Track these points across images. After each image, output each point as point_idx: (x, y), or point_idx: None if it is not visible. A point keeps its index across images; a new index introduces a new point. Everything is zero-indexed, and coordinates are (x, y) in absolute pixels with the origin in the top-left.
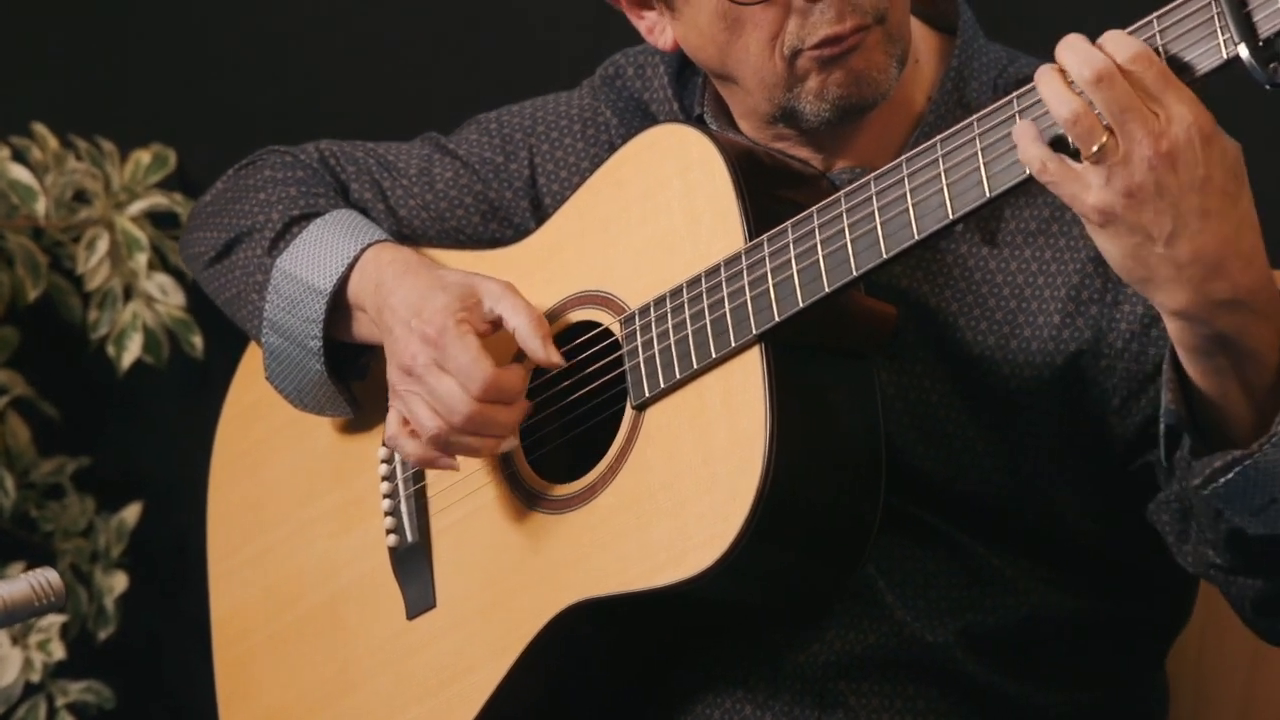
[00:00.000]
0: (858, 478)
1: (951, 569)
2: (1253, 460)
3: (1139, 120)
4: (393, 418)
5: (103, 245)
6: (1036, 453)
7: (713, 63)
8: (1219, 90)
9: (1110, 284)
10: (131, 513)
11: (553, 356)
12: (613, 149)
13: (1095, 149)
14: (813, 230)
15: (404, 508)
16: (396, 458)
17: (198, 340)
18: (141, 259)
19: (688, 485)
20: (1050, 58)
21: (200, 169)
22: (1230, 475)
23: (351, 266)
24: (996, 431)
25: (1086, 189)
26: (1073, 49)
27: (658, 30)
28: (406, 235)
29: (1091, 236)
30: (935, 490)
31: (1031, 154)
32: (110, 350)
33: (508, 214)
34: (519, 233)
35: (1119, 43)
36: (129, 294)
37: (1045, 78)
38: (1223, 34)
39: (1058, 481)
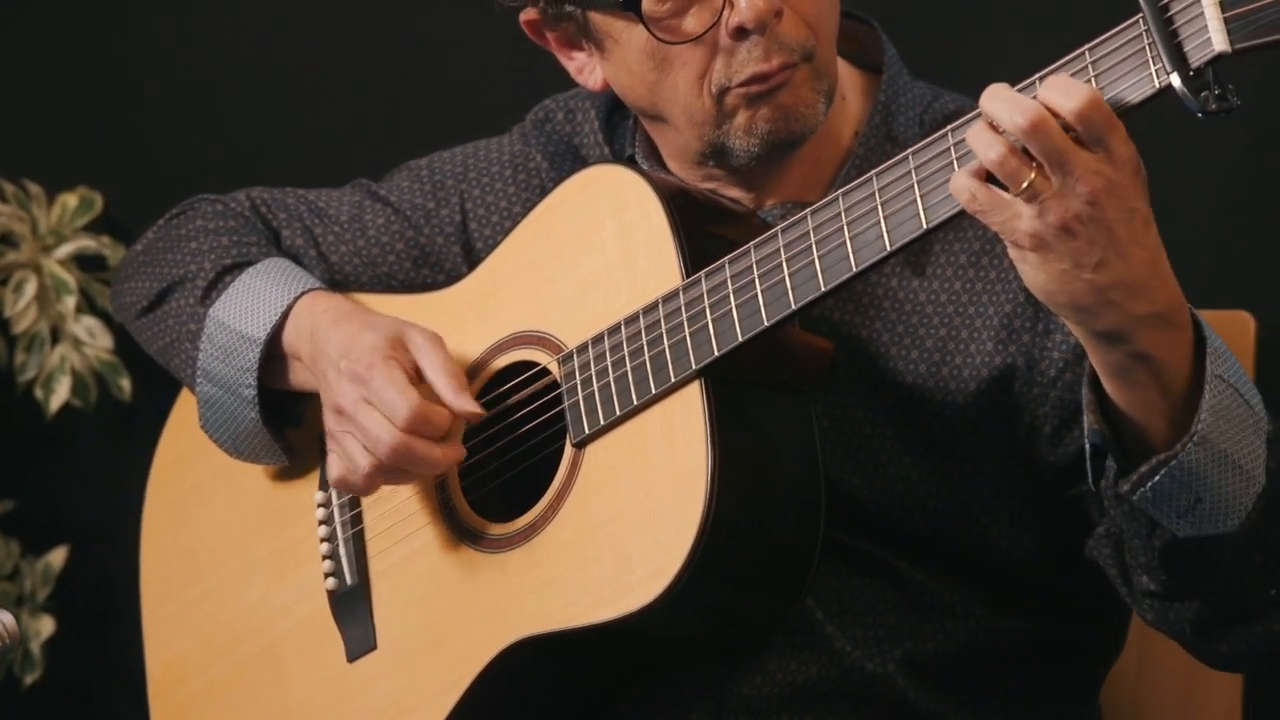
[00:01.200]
0: (798, 509)
1: (890, 597)
2: (1177, 460)
3: (1075, 159)
4: (332, 461)
5: (30, 288)
6: (970, 481)
7: (642, 102)
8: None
9: (1042, 313)
10: (58, 556)
11: (466, 406)
12: (544, 193)
13: (1024, 186)
14: (750, 266)
15: (342, 550)
16: (333, 501)
17: (126, 383)
18: (69, 302)
19: (630, 521)
20: (973, 94)
21: (127, 212)
22: (1157, 478)
23: (285, 315)
24: (930, 460)
25: (1018, 218)
26: (1000, 99)
27: (587, 71)
28: (338, 281)
29: (1015, 261)
30: (872, 519)
31: (960, 184)
32: (38, 393)
33: (439, 259)
34: (450, 278)
35: (1063, 93)
36: (56, 337)
37: (973, 127)
38: (1154, 64)
39: (991, 509)
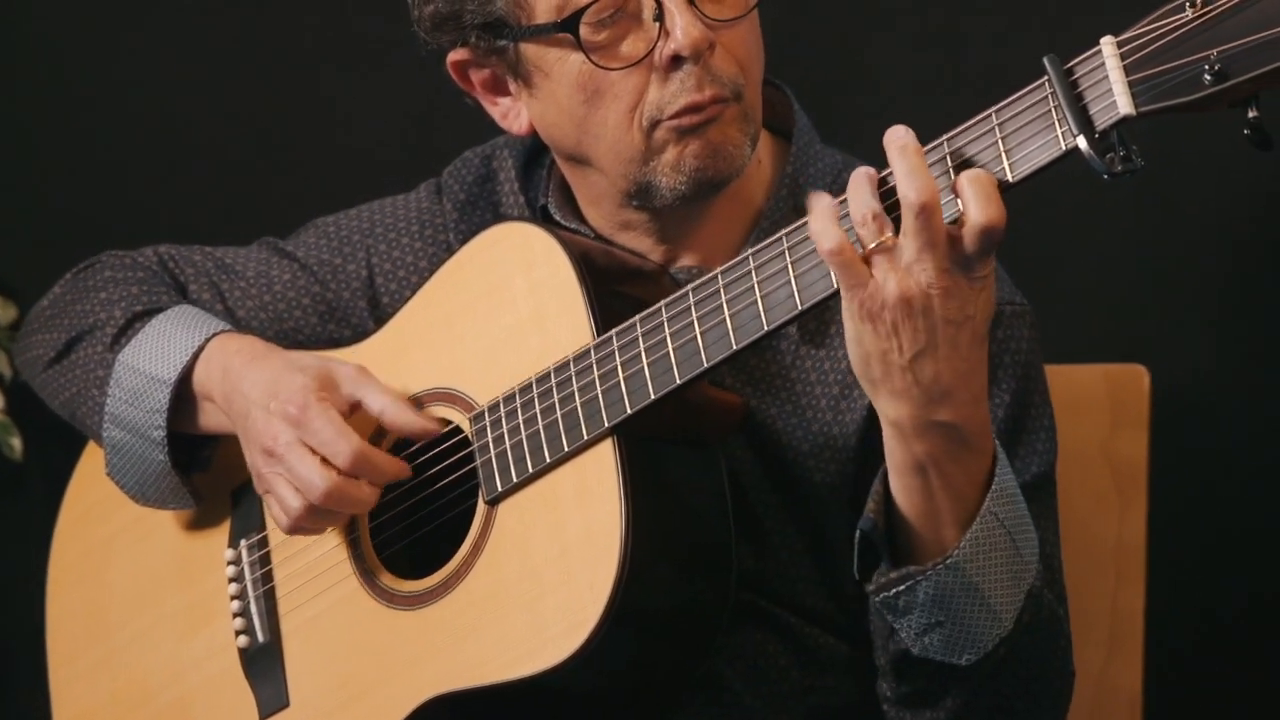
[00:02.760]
0: (709, 564)
1: (793, 653)
2: (925, 577)
3: (939, 250)
4: (271, 502)
5: None
6: (847, 549)
7: (569, 141)
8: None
9: None
10: None
11: (429, 425)
12: (450, 247)
13: (874, 245)
14: (662, 324)
15: (254, 607)
16: (244, 557)
17: (16, 442)
18: None
19: (544, 578)
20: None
21: (17, 271)
22: (902, 588)
23: (196, 356)
24: (812, 533)
25: (863, 285)
26: (910, 163)
27: (512, 115)
28: None
29: (846, 324)
30: (758, 584)
31: (833, 232)
32: None
33: (345, 314)
34: (357, 333)
35: (977, 202)
36: None
37: (857, 178)
38: (1060, 126)
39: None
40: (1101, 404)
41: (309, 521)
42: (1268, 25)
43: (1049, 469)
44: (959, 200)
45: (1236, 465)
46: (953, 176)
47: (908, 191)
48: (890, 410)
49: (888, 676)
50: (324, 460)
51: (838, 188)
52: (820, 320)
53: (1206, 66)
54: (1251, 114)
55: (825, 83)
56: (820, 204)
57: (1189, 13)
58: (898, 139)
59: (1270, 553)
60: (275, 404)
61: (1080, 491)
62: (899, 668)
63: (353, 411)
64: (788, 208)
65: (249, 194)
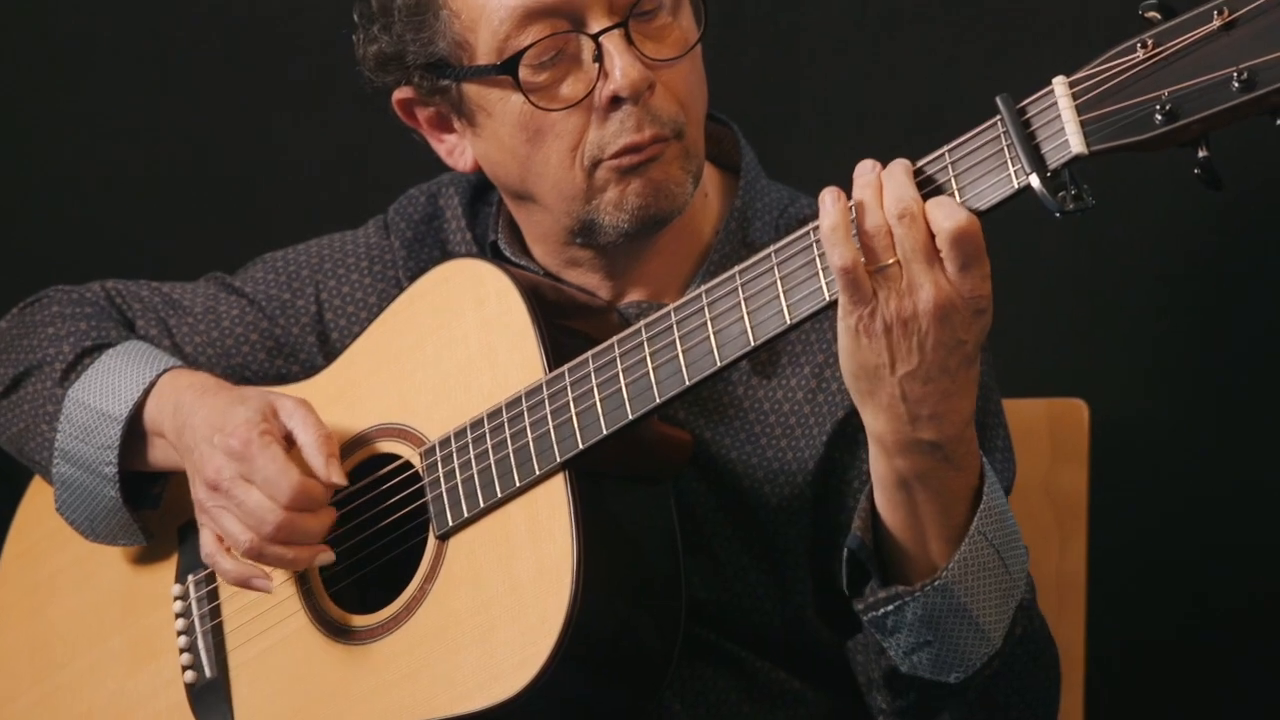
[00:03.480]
0: (660, 599)
1: (741, 687)
2: (914, 598)
3: (928, 268)
4: (206, 537)
5: None
6: (798, 578)
7: (512, 179)
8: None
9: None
10: None
11: (333, 475)
12: (399, 283)
13: (881, 265)
14: (614, 360)
15: (201, 642)
16: (191, 592)
17: None
18: None
19: (494, 612)
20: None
21: None
22: (890, 608)
23: (147, 392)
24: (764, 560)
25: (866, 301)
26: (896, 179)
27: (457, 152)
28: None
29: (841, 336)
30: (717, 614)
31: (848, 253)
32: None
33: (294, 350)
34: (306, 369)
35: (947, 215)
36: None
37: (867, 188)
38: (1013, 164)
39: (816, 605)
40: (1042, 438)
41: (256, 558)
42: (1217, 67)
43: (1008, 487)
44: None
45: (1174, 498)
46: None
47: (896, 204)
48: (875, 424)
49: (881, 690)
50: (269, 495)
51: (783, 222)
52: (771, 351)
53: (1158, 107)
54: (1201, 154)
55: (770, 119)
56: (833, 212)
57: (1140, 54)
58: (887, 169)
59: (1207, 584)
60: (219, 438)
61: (1021, 524)
62: (891, 683)
63: (291, 444)
64: (737, 241)
65: (194, 229)
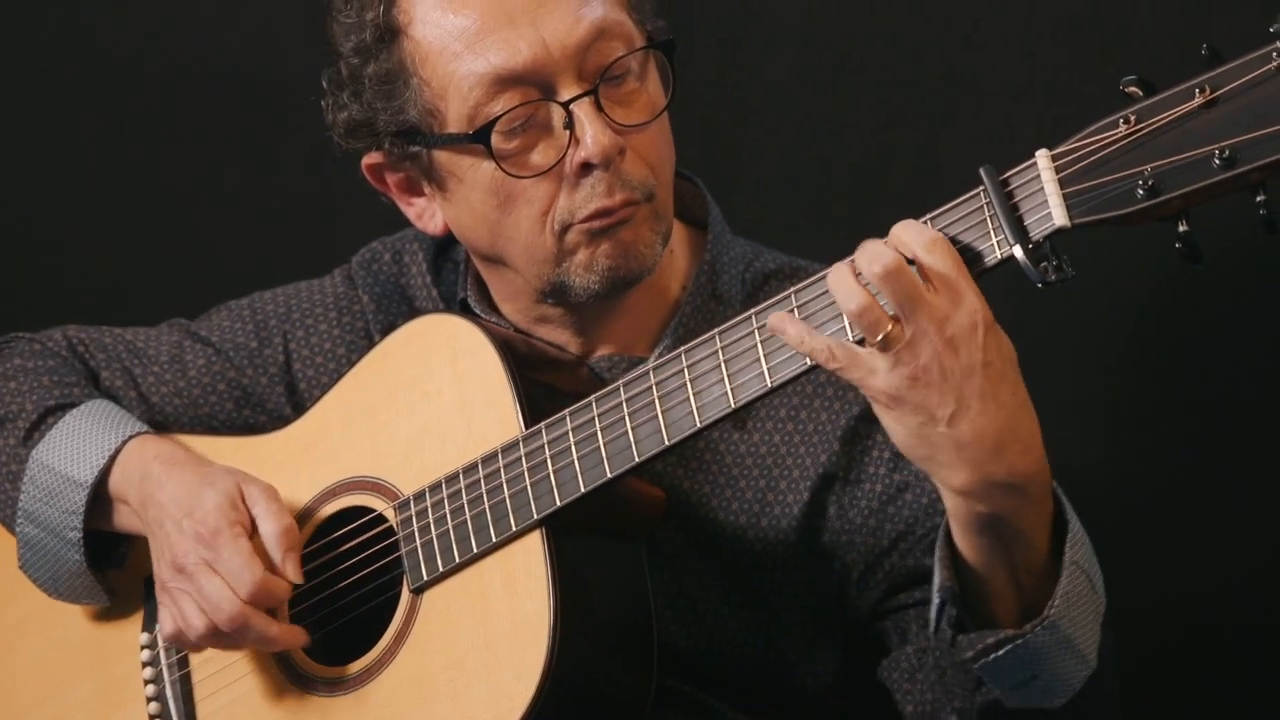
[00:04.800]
0: (632, 655)
1: None
2: (1024, 640)
3: (924, 308)
4: (164, 616)
5: None
6: (781, 625)
7: (482, 242)
8: None
9: (855, 462)
10: None
11: (290, 573)
12: (369, 335)
13: (880, 338)
14: (593, 419)
15: (169, 692)
16: (160, 643)
17: None
18: None
19: (470, 667)
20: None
21: None
22: (1002, 652)
23: (113, 459)
24: (746, 608)
25: (874, 373)
26: (861, 248)
27: (427, 215)
28: (159, 422)
29: (878, 416)
30: (692, 664)
31: (819, 343)
32: None
33: (262, 400)
34: (274, 418)
35: (915, 231)
36: None
37: (836, 273)
38: (996, 235)
39: (799, 651)
40: None
41: (207, 642)
42: (1198, 144)
43: None
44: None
45: (1127, 554)
46: None
47: (874, 267)
48: (950, 479)
49: (969, 717)
50: (230, 586)
51: (749, 276)
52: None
53: (1140, 182)
54: (1182, 228)
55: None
56: (791, 328)
57: (1123, 129)
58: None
59: (1162, 637)
60: (188, 522)
61: None
62: (985, 715)
63: (256, 530)
64: (707, 294)
65: (151, 274)
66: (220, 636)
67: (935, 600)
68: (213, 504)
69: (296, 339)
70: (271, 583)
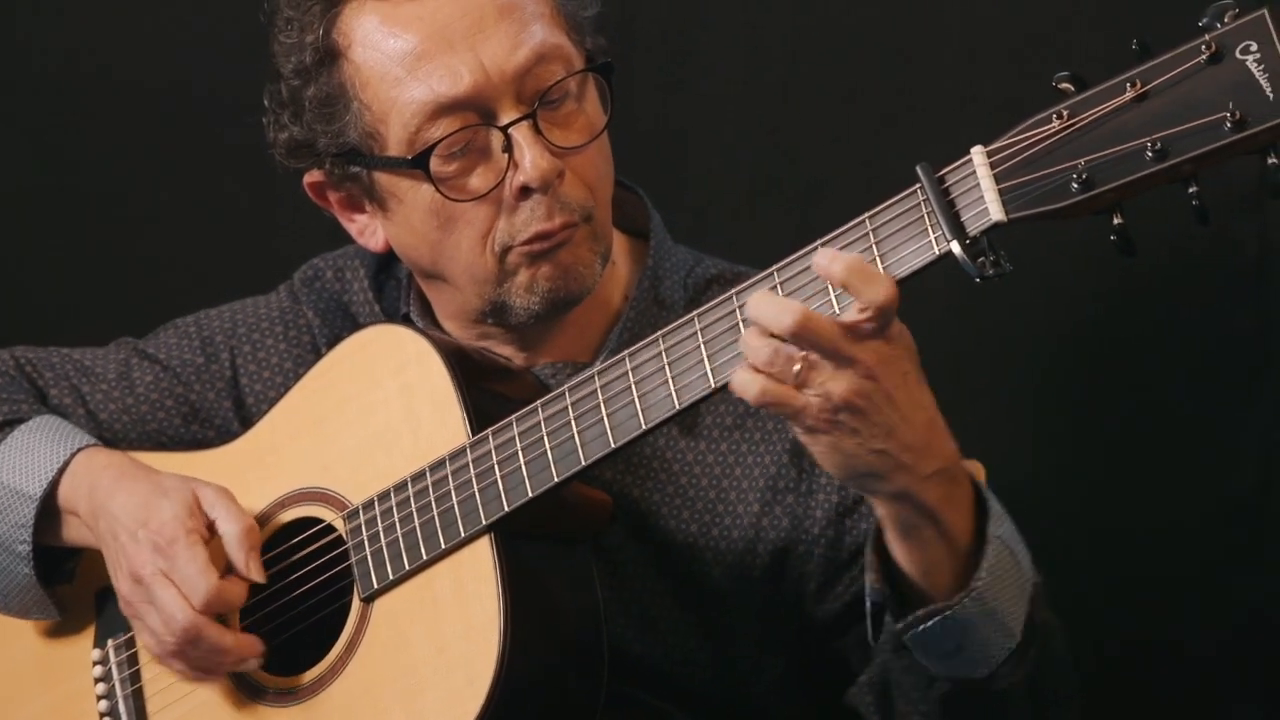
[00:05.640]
0: (583, 659)
1: None
2: (952, 612)
3: (834, 349)
4: (138, 630)
5: None
6: (740, 636)
7: (424, 261)
8: None
9: (805, 474)
10: None
11: (253, 572)
12: (315, 349)
13: (795, 373)
14: (539, 424)
15: (121, 706)
16: (111, 656)
17: None
18: None
19: (421, 673)
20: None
21: None
22: (930, 623)
23: (62, 471)
24: (699, 615)
25: (807, 407)
26: (765, 304)
27: (369, 232)
28: (108, 439)
29: (808, 446)
30: (646, 671)
31: (745, 379)
32: None
33: (209, 415)
34: (221, 434)
35: (773, 312)
36: None
37: (746, 333)
38: (933, 231)
39: (754, 660)
40: None
41: (179, 649)
42: (1131, 138)
43: None
44: (849, 294)
45: (1069, 557)
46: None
47: (783, 320)
48: (885, 489)
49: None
50: (184, 595)
51: (691, 281)
52: (692, 414)
53: (1074, 175)
54: (1116, 220)
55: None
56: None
57: (1056, 124)
58: (750, 301)
59: (1104, 644)
60: (144, 532)
61: None
62: (947, 708)
63: (213, 534)
64: (650, 299)
65: (96, 293)
66: (184, 650)
67: (868, 604)
68: (170, 513)
69: (243, 354)
70: (225, 589)
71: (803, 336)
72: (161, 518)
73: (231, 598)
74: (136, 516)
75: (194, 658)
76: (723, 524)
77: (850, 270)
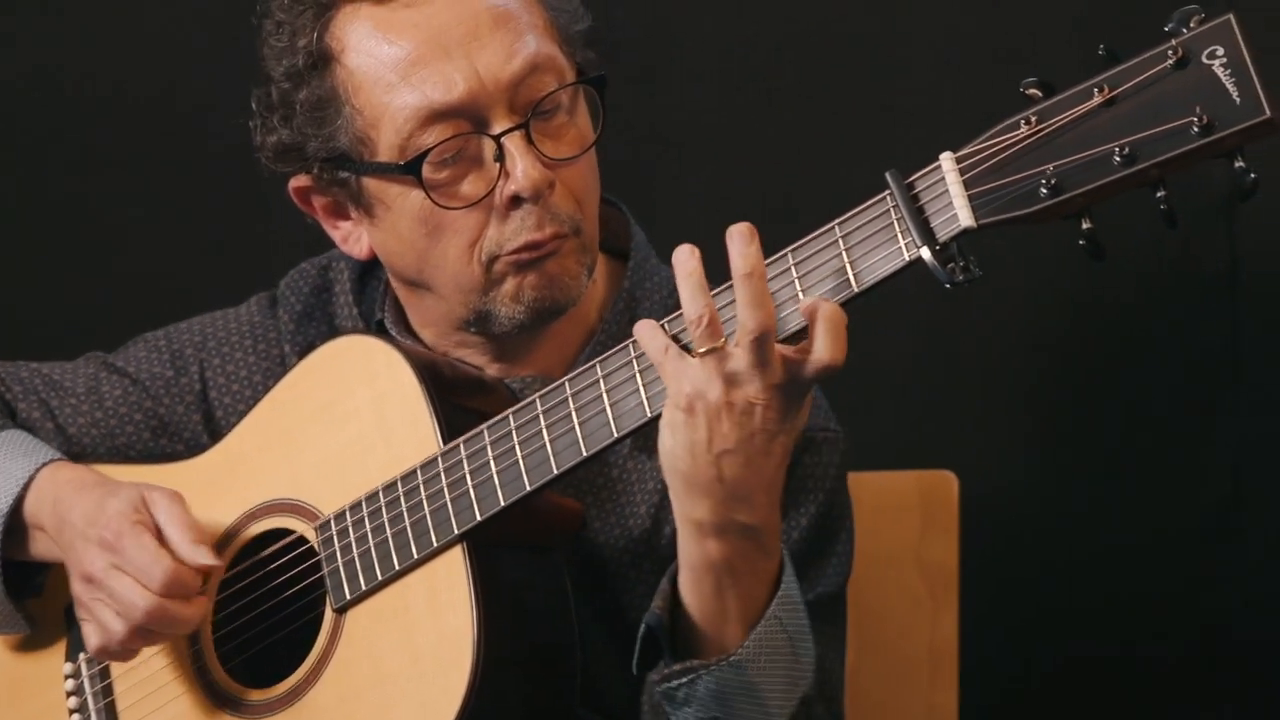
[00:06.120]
0: (556, 666)
1: None
2: (709, 671)
3: (767, 366)
4: (87, 631)
5: None
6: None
7: (409, 269)
8: None
9: None
10: None
11: (199, 557)
12: (283, 360)
13: (705, 350)
14: (510, 432)
15: None
16: (83, 671)
17: None
18: None
19: (395, 684)
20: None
21: None
22: (685, 679)
23: (27, 486)
24: (625, 635)
25: (686, 377)
26: (757, 302)
27: (353, 239)
28: (76, 453)
29: (663, 418)
30: (587, 691)
31: (648, 330)
32: None
33: (179, 428)
34: (191, 447)
35: (833, 346)
36: None
37: (689, 280)
38: (903, 237)
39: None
40: (913, 509)
41: (133, 643)
42: (1099, 143)
43: (837, 590)
44: (810, 329)
45: (1043, 566)
46: (798, 288)
47: (748, 320)
48: (692, 508)
49: None
50: (140, 583)
51: (673, 303)
52: (653, 429)
53: (1043, 181)
54: (1085, 225)
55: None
56: (689, 261)
57: (1024, 130)
58: (745, 264)
59: (1076, 648)
60: (93, 530)
61: (894, 594)
62: None
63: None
64: (624, 321)
65: (68, 307)
66: (144, 635)
67: (642, 628)
68: (114, 510)
69: (212, 366)
70: (182, 572)
71: (754, 340)
72: (108, 514)
73: (188, 580)
74: (87, 518)
75: (148, 641)
76: (654, 548)
77: (830, 320)
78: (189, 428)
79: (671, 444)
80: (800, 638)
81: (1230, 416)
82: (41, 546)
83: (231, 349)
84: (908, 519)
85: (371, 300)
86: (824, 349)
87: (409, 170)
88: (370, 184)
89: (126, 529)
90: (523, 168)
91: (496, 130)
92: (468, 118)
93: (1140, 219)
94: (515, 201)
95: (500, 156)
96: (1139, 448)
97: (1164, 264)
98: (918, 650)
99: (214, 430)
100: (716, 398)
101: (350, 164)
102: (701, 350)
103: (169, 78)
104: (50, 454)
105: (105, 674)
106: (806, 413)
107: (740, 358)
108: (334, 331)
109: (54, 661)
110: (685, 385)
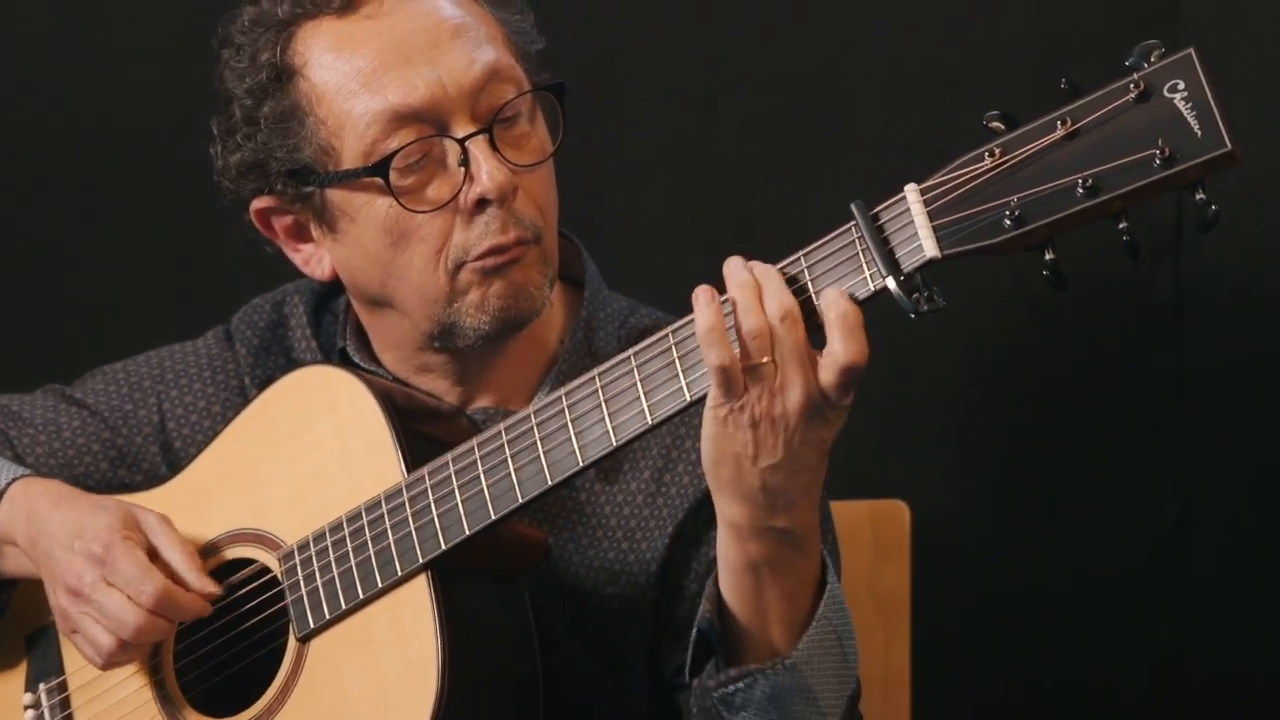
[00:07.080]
0: (520, 696)
1: None
2: (764, 676)
3: (805, 367)
4: (80, 643)
5: None
6: (639, 679)
7: (372, 284)
8: None
9: (701, 525)
10: None
11: (207, 586)
12: (243, 392)
13: (761, 362)
14: (475, 462)
15: None
16: (43, 700)
17: None
18: None
19: (359, 711)
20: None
21: None
22: (741, 684)
23: None
24: (602, 661)
25: (742, 394)
26: (772, 280)
27: (315, 260)
28: None
29: (707, 424)
30: (548, 711)
31: (724, 348)
32: None
33: (137, 459)
34: (149, 478)
35: (854, 340)
36: None
37: (745, 289)
38: (869, 268)
39: (655, 706)
40: (865, 538)
41: (122, 657)
42: (1062, 174)
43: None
44: (825, 331)
45: (994, 595)
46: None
47: (781, 301)
48: (731, 512)
49: None
50: (130, 597)
51: (625, 332)
52: (613, 458)
53: (1007, 212)
54: (1048, 256)
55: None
56: (708, 312)
57: (988, 162)
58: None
59: (1026, 676)
60: (79, 544)
61: None
62: None
63: (153, 558)
64: (583, 350)
65: (20, 338)
66: (130, 649)
67: (694, 633)
68: (102, 524)
69: (170, 399)
70: (174, 590)
71: (787, 325)
72: (96, 527)
73: (181, 599)
74: (71, 530)
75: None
76: (631, 572)
77: (847, 318)
78: (147, 458)
79: (716, 454)
80: (847, 638)
81: (1177, 445)
82: (12, 563)
83: (190, 380)
84: (860, 548)
85: (330, 332)
86: (841, 350)
87: (375, 172)
88: (334, 196)
89: (116, 542)
90: (488, 170)
91: (459, 134)
92: (430, 123)
93: (1087, 247)
94: (480, 205)
95: (465, 160)
96: (1089, 475)
97: (1111, 292)
98: (870, 678)
99: (173, 462)
100: (764, 415)
101: (315, 176)
102: (756, 361)
103: (122, 102)
104: (20, 469)
105: (65, 704)
106: (840, 426)
107: (786, 371)
108: (292, 364)
109: (15, 689)
110: (734, 403)
